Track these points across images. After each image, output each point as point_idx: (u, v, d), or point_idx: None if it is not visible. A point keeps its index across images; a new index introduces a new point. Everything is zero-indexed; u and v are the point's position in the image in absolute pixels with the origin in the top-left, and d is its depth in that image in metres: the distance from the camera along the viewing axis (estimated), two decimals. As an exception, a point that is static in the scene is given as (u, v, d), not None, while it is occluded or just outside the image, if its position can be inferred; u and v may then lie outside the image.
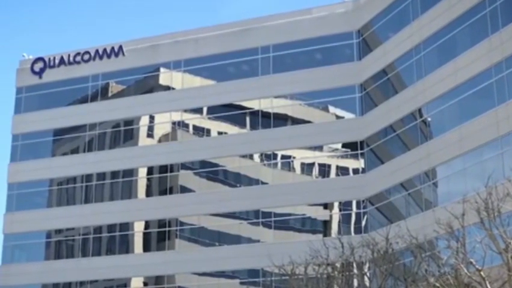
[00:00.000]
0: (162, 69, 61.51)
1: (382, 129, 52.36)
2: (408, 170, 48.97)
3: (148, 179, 60.30)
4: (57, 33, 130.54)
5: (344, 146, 55.04)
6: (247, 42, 58.48)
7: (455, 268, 31.90)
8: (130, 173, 60.30)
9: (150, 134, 61.06)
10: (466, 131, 44.29)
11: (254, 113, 57.56)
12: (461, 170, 44.64)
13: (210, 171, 57.93)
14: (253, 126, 57.42)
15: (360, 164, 53.89)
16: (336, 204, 54.80)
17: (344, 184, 54.08)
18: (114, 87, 63.28)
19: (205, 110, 59.31)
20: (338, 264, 41.28)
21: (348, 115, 55.56)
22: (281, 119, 56.81)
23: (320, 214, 55.07)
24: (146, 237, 59.19)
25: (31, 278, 61.17)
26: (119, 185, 60.53)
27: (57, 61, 64.59)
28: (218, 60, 59.44)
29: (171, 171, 58.79)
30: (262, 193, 55.69)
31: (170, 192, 58.64)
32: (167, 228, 57.90)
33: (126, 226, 59.66)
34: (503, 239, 30.26)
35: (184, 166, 58.61)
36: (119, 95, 62.87)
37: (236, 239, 56.35)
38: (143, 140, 61.02)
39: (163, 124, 60.45)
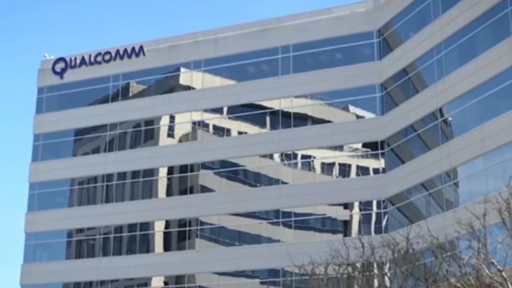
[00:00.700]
0: (182, 69, 61.65)
1: (403, 129, 52.18)
2: (429, 170, 48.78)
3: (169, 179, 60.46)
4: (79, 34, 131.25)
5: (365, 145, 54.90)
6: (267, 42, 58.48)
7: (476, 268, 31.75)
8: (151, 172, 60.49)
9: (170, 134, 61.21)
10: (487, 131, 44.05)
11: (274, 113, 57.54)
12: (483, 170, 44.41)
13: (230, 171, 57.98)
14: (273, 126, 57.40)
15: (380, 163, 53.74)
16: (356, 204, 54.67)
17: (364, 184, 53.95)
18: (135, 87, 63.49)
19: (225, 109, 59.38)
20: (358, 264, 41.15)
21: (368, 115, 55.42)
22: (301, 119, 56.76)
23: (340, 214, 54.97)
24: (167, 236, 59.35)
25: (52, 277, 61.54)
26: (140, 184, 60.74)
27: (78, 61, 64.89)
28: (238, 60, 59.50)
29: (191, 171, 58.91)
30: (282, 193, 55.67)
31: (191, 192, 58.75)
32: (187, 228, 58.03)
33: (146, 226, 59.85)
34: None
35: (205, 166, 58.70)
36: (139, 95, 63.08)
37: (256, 239, 56.37)
38: (163, 139, 61.19)
39: (183, 124, 60.59)
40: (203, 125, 59.72)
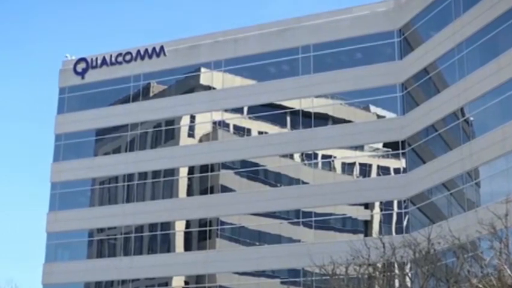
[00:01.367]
0: (203, 69, 61.76)
1: (424, 128, 52.00)
2: (450, 170, 48.58)
3: (189, 179, 60.59)
4: (100, 34, 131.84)
5: (385, 145, 54.75)
6: (288, 42, 58.45)
7: (498, 269, 31.59)
8: (171, 172, 60.66)
9: (191, 134, 61.33)
10: (509, 130, 43.81)
11: (294, 113, 57.50)
12: (504, 170, 44.18)
13: (251, 170, 58.02)
14: (294, 126, 57.37)
15: (401, 163, 53.57)
16: (377, 204, 54.52)
17: (385, 184, 53.80)
18: (155, 87, 63.68)
19: (245, 109, 59.42)
20: (379, 265, 41.07)
21: (389, 114, 55.25)
22: (322, 119, 56.69)
23: (361, 214, 54.85)
24: (187, 236, 59.49)
25: (74, 277, 61.87)
26: (161, 184, 60.92)
27: (99, 61, 65.17)
28: (258, 60, 59.51)
29: (212, 170, 59.01)
30: (302, 193, 55.63)
31: (211, 192, 58.85)
32: (208, 228, 58.13)
33: (167, 225, 60.01)
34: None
35: (225, 166, 58.78)
36: (160, 95, 63.26)
37: (276, 239, 56.37)
38: (184, 139, 61.34)
39: (203, 124, 60.70)
40: (223, 125, 59.80)
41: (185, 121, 61.53)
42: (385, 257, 40.25)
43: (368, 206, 54.80)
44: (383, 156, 55.04)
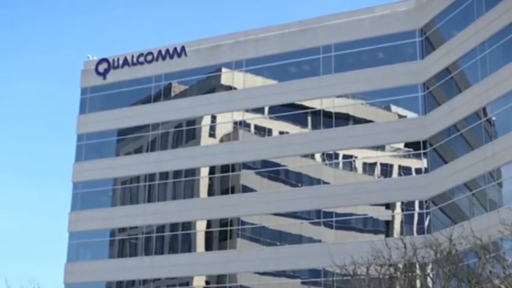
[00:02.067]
0: (224, 69, 61.82)
1: (445, 128, 51.73)
2: (472, 170, 48.30)
3: (210, 179, 60.68)
4: (121, 35, 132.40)
5: (407, 145, 54.53)
6: (308, 42, 58.37)
7: (520, 270, 31.37)
8: (192, 172, 60.77)
9: (212, 134, 61.41)
10: (532, 130, 43.52)
11: (315, 113, 57.42)
12: (527, 170, 43.90)
13: (272, 170, 58.00)
14: (315, 126, 57.29)
15: (423, 163, 53.34)
16: (398, 205, 54.32)
17: (406, 184, 53.59)
18: (177, 88, 63.83)
19: (266, 109, 59.41)
20: (400, 265, 40.95)
21: (410, 114, 55.03)
22: (343, 119, 56.56)
23: (382, 214, 54.67)
24: (208, 236, 59.57)
25: (95, 276, 62.14)
26: (182, 184, 61.06)
27: (121, 62, 65.41)
28: (279, 60, 59.48)
29: (233, 170, 59.05)
30: (323, 193, 55.53)
31: (232, 192, 58.90)
32: (229, 228, 58.18)
33: (188, 225, 60.13)
34: None
35: (246, 166, 58.80)
36: (181, 95, 63.40)
37: (297, 239, 56.32)
38: (205, 139, 61.43)
39: (224, 124, 60.76)
40: (244, 125, 59.82)
41: (206, 121, 61.62)
42: (406, 258, 40.14)
43: (389, 206, 54.62)
44: (404, 156, 54.82)
